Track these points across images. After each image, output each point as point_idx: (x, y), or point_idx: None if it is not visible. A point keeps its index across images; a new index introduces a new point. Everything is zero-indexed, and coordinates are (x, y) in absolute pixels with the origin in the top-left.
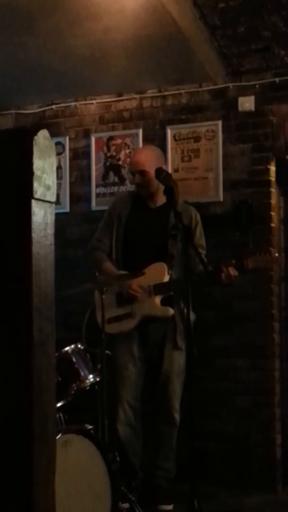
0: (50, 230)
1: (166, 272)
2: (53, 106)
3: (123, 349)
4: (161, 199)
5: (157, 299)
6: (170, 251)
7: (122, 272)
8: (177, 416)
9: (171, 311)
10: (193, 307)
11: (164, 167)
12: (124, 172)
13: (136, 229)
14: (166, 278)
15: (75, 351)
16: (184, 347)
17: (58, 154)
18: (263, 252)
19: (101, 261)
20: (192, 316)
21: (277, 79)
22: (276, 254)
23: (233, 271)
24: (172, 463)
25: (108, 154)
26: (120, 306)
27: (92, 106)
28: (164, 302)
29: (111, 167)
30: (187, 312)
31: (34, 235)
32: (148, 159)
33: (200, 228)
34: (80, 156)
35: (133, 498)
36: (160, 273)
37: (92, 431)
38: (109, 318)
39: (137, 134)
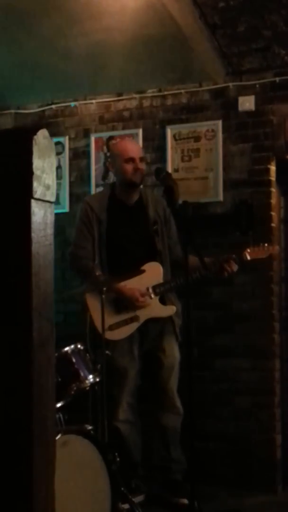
0: (50, 230)
1: (162, 272)
2: (53, 106)
3: (124, 352)
4: (136, 195)
5: (157, 300)
6: (159, 248)
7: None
8: (179, 405)
9: (174, 308)
10: (189, 304)
11: None
12: None
13: (118, 230)
14: (162, 278)
15: (75, 351)
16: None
17: (58, 153)
18: (260, 244)
19: (91, 270)
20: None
21: (277, 79)
22: (277, 247)
23: (234, 266)
24: (181, 453)
25: (108, 154)
26: (120, 312)
27: (91, 105)
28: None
29: None
30: (188, 309)
31: (33, 235)
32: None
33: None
34: (79, 155)
35: (132, 499)
36: (156, 273)
37: (92, 432)
38: (110, 325)
39: (137, 134)
